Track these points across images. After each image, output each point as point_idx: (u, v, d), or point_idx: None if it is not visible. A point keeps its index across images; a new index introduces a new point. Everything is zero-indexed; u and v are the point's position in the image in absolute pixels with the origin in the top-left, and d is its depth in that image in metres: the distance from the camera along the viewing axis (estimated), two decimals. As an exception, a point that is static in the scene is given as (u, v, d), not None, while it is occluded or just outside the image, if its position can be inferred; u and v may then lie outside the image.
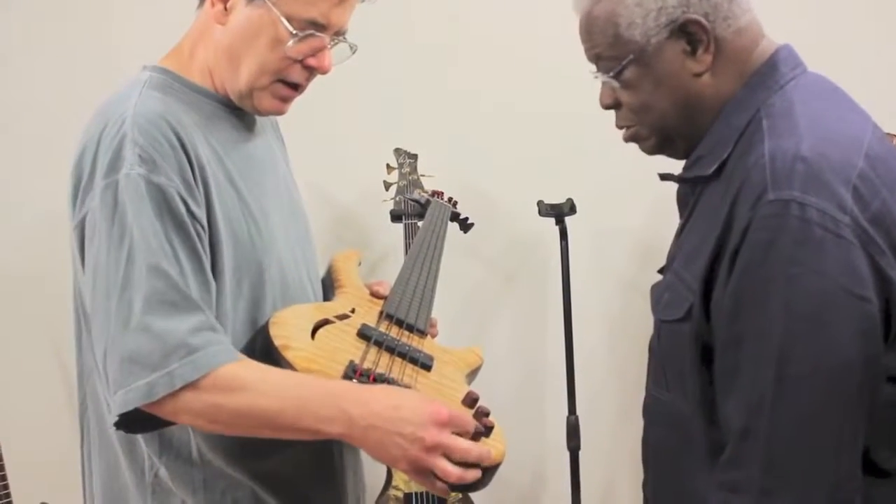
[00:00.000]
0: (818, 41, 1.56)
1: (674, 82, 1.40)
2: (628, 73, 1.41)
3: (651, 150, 1.51)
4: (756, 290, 1.25)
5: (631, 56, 1.39)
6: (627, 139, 1.51)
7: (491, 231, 3.09)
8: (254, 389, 1.34)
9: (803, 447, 1.24)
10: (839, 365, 1.22)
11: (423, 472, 1.32)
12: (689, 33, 1.37)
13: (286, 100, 1.56)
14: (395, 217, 2.78)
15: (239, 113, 1.59)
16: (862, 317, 1.22)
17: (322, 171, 3.01)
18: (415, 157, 2.84)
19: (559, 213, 2.78)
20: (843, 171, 1.26)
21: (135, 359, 1.32)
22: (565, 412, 2.78)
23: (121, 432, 1.51)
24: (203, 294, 1.39)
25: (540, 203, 2.79)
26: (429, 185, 2.76)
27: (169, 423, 1.40)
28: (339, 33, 1.55)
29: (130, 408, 1.32)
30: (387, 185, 2.80)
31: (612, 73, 1.42)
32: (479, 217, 2.99)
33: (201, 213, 1.42)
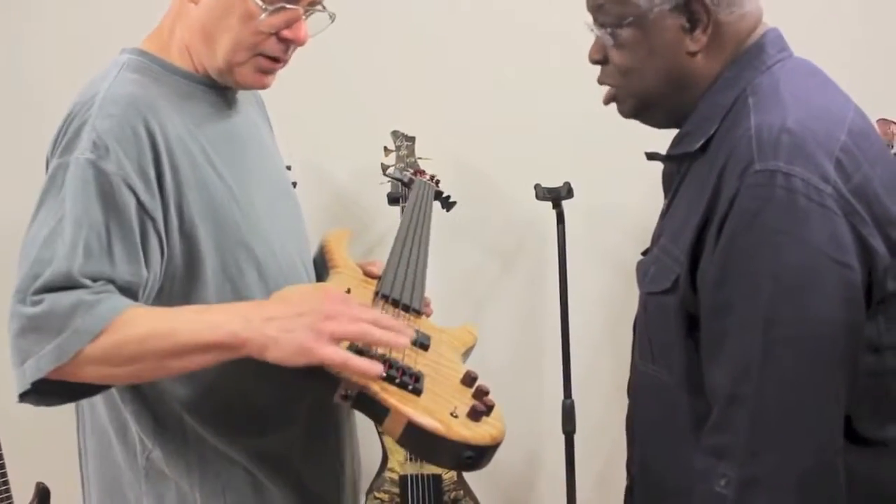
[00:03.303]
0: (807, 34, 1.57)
1: (666, 54, 1.42)
2: (625, 34, 1.42)
3: (627, 114, 1.53)
4: (742, 258, 1.28)
5: (631, 18, 1.41)
6: (606, 100, 1.53)
7: (488, 214, 3.09)
8: (151, 317, 1.34)
9: (788, 411, 1.27)
10: (823, 330, 1.26)
11: (323, 336, 1.28)
12: (691, 11, 1.39)
13: (267, 72, 1.55)
14: (392, 199, 2.77)
15: (220, 92, 1.58)
16: (845, 284, 1.26)
17: (319, 153, 3.02)
18: (412, 139, 2.83)
19: (556, 196, 2.77)
20: (827, 143, 1.30)
21: (37, 326, 1.31)
22: (561, 396, 2.79)
23: (112, 414, 1.52)
24: (128, 280, 1.38)
25: (537, 186, 2.79)
26: (426, 167, 2.75)
27: (78, 394, 1.40)
28: (313, 3, 1.52)
29: (43, 374, 1.31)
30: (384, 168, 2.80)
31: (608, 29, 1.44)
32: (477, 200, 3.01)
33: (154, 205, 1.41)
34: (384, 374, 1.31)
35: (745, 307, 1.28)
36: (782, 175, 1.26)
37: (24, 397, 1.35)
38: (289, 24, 1.49)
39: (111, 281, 1.36)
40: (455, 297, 3.06)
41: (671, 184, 1.53)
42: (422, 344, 1.51)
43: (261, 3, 1.45)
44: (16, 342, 1.33)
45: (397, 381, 1.34)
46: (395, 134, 2.83)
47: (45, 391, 1.34)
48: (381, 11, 3.01)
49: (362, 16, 2.97)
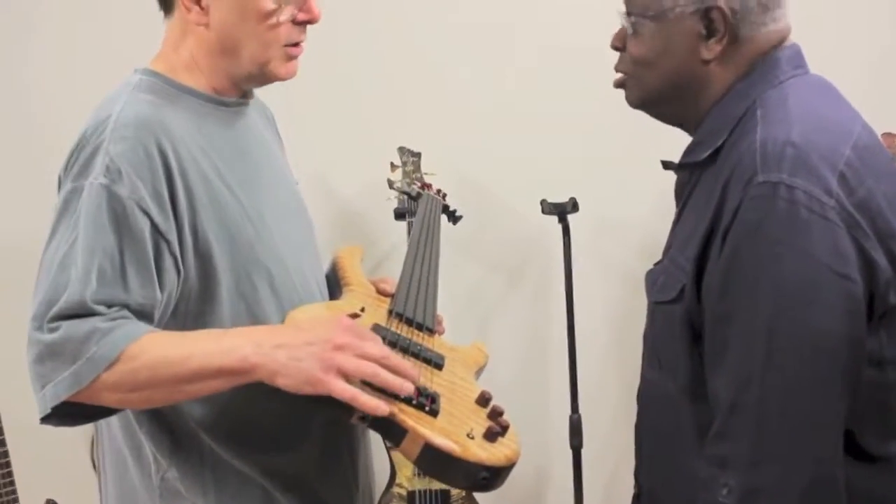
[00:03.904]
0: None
1: (679, 56, 1.44)
2: (644, 26, 1.45)
3: (632, 103, 1.54)
4: (745, 269, 1.29)
5: (652, 12, 1.43)
6: (616, 84, 1.55)
7: (494, 229, 3.10)
8: (164, 343, 1.37)
9: (789, 421, 1.28)
10: (824, 342, 1.27)
11: (331, 369, 1.30)
12: (710, 19, 1.40)
13: (294, 59, 1.58)
14: (399, 215, 2.78)
15: (231, 110, 1.60)
16: (847, 296, 1.27)
17: (326, 169, 3.03)
18: (418, 155, 2.84)
19: (562, 211, 2.78)
20: (831, 157, 1.31)
21: (54, 353, 1.34)
22: (568, 410, 2.79)
23: (127, 434, 1.53)
24: (142, 303, 1.40)
25: (543, 201, 2.80)
26: (432, 182, 2.77)
27: (97, 415, 1.43)
28: None
29: (61, 400, 1.34)
30: (390, 183, 2.80)
31: (631, 18, 1.46)
32: (483, 215, 3.01)
33: (168, 226, 1.43)
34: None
35: (746, 317, 1.30)
36: (785, 187, 1.27)
37: (44, 420, 1.38)
38: (301, 7, 1.53)
39: (125, 305, 1.38)
40: (461, 311, 3.07)
41: (682, 191, 1.55)
42: (436, 364, 1.51)
43: None
44: (34, 368, 1.36)
45: (414, 402, 1.35)
46: (402, 150, 2.84)
47: (65, 413, 1.37)
48: (387, 28, 3.02)
49: (369, 32, 2.99)
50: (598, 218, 2.97)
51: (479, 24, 3.02)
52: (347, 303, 1.61)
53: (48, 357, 1.34)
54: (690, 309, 1.38)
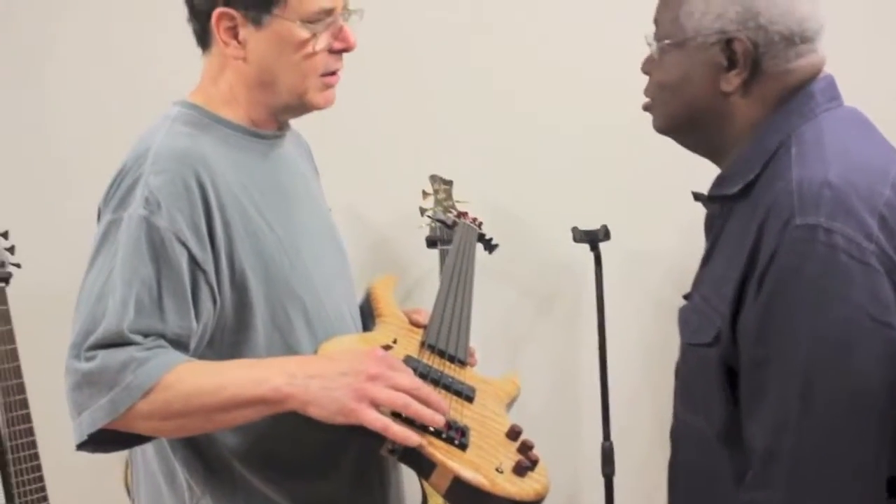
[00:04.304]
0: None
1: (699, 86, 1.43)
2: (667, 53, 1.45)
3: (657, 128, 1.53)
4: (782, 314, 1.27)
5: (674, 39, 1.43)
6: (643, 107, 1.54)
7: (525, 257, 3.11)
8: (198, 373, 1.39)
9: (827, 469, 1.25)
10: (863, 388, 1.24)
11: (364, 399, 1.32)
12: (732, 50, 1.38)
13: (331, 87, 1.60)
14: (431, 243, 2.79)
15: (268, 142, 1.62)
16: (887, 343, 1.24)
17: (359, 197, 3.05)
18: (450, 183, 2.85)
19: (593, 239, 2.79)
20: (870, 199, 1.29)
21: (92, 381, 1.36)
22: (600, 438, 2.79)
23: (161, 460, 1.55)
24: (179, 333, 1.43)
25: (574, 229, 2.80)
26: (468, 211, 2.78)
27: (131, 443, 1.45)
28: (345, 7, 1.58)
29: (97, 427, 1.36)
30: (422, 211, 2.82)
31: (656, 44, 1.46)
32: (514, 243, 3.02)
33: (206, 258, 1.45)
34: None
35: (783, 363, 1.27)
36: (823, 231, 1.25)
37: (80, 447, 1.41)
38: (336, 36, 1.56)
39: (162, 335, 1.40)
40: (493, 339, 3.07)
41: (713, 226, 1.52)
42: (467, 396, 1.52)
43: (309, 27, 1.51)
44: (72, 395, 1.39)
45: (444, 435, 1.36)
46: (433, 178, 2.86)
47: (101, 440, 1.39)
48: (419, 56, 3.05)
49: (401, 60, 3.02)
50: (631, 246, 2.96)
51: (511, 53, 3.03)
52: (380, 334, 1.63)
53: (85, 385, 1.37)
54: (726, 353, 1.36)
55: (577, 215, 2.84)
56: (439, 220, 2.61)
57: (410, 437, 1.31)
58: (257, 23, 1.50)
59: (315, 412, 1.34)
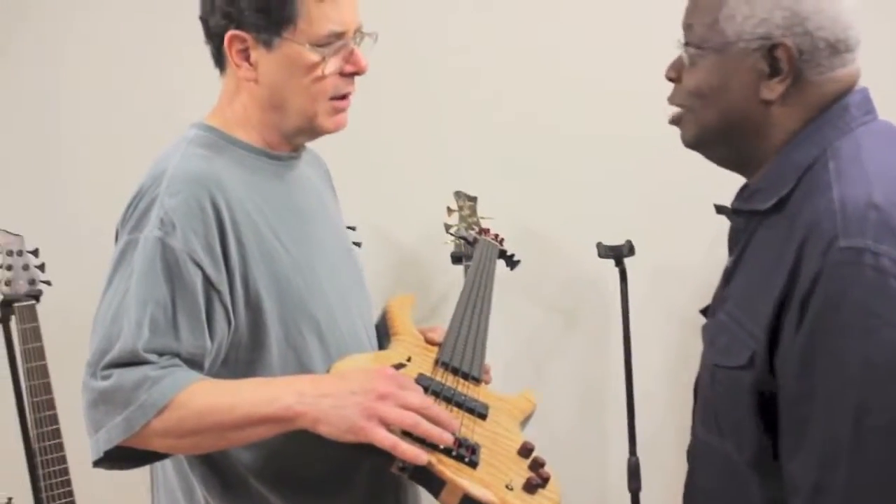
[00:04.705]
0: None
1: (738, 94, 1.36)
2: (703, 58, 1.37)
3: (688, 142, 1.46)
4: (830, 342, 1.21)
5: (713, 44, 1.36)
6: (672, 120, 1.47)
7: (551, 273, 3.11)
8: (211, 391, 1.40)
9: (884, 502, 1.20)
10: None
11: (373, 418, 1.33)
12: (774, 57, 1.32)
13: (342, 111, 1.61)
14: (456, 259, 2.80)
15: (284, 163, 1.64)
16: None
17: (384, 214, 3.07)
18: (474, 199, 2.87)
19: (618, 254, 2.79)
20: None
21: (107, 399, 1.39)
22: (626, 453, 2.78)
23: (180, 477, 1.57)
24: (193, 352, 1.45)
25: (599, 245, 2.80)
26: (489, 226, 2.79)
27: (148, 460, 1.47)
28: (357, 30, 1.58)
29: (113, 444, 1.39)
30: (447, 228, 2.83)
31: (690, 49, 1.39)
32: (539, 259, 3.03)
33: (220, 278, 1.47)
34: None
35: (833, 393, 1.20)
36: (870, 254, 1.19)
37: (97, 464, 1.43)
38: (347, 59, 1.57)
39: (177, 354, 1.43)
40: (518, 354, 3.08)
41: (737, 240, 1.46)
42: (480, 413, 1.53)
43: (318, 50, 1.52)
44: (88, 413, 1.42)
45: (454, 453, 1.36)
46: (458, 194, 2.87)
47: (117, 457, 1.42)
48: (442, 73, 3.06)
49: (423, 78, 3.04)
50: (656, 261, 2.96)
51: (535, 69, 3.05)
52: (394, 353, 1.63)
53: (101, 403, 1.39)
54: (761, 378, 1.29)
55: (602, 231, 2.85)
56: (461, 237, 2.62)
57: (419, 455, 1.32)
58: (268, 45, 1.52)
59: (325, 430, 1.35)
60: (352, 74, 1.58)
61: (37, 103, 3.12)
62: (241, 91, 1.59)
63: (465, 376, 1.62)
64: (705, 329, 1.48)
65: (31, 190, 3.10)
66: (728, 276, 1.46)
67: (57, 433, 2.58)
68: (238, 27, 1.53)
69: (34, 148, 3.12)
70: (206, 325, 1.46)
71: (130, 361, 1.39)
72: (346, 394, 1.36)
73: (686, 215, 2.91)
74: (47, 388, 2.57)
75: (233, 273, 1.49)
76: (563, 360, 3.17)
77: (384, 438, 1.32)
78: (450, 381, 1.58)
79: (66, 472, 2.58)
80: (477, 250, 2.26)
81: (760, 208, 1.37)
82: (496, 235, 2.53)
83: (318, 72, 1.54)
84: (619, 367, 2.79)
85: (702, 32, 1.38)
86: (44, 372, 2.57)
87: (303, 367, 1.56)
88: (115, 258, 1.48)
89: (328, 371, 1.52)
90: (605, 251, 2.80)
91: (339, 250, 1.72)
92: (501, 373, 2.81)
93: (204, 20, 1.58)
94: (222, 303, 1.48)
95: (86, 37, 3.09)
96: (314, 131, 1.61)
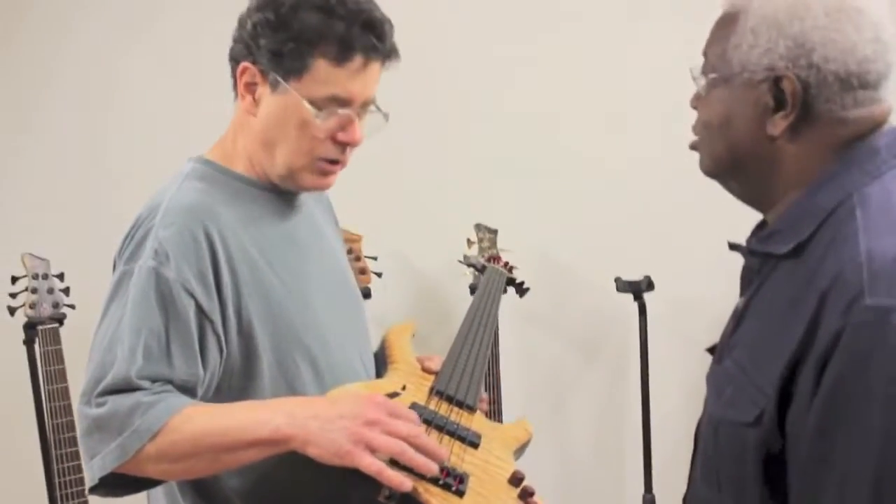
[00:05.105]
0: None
1: (743, 127, 1.29)
2: (713, 89, 1.31)
3: (703, 170, 1.39)
4: (851, 409, 1.12)
5: (718, 75, 1.30)
6: (690, 146, 1.41)
7: (569, 307, 3.12)
8: (204, 415, 1.42)
9: None
10: None
11: (360, 443, 1.33)
12: (780, 89, 1.24)
13: (327, 174, 1.61)
14: (473, 290, 2.82)
15: (281, 197, 1.65)
16: None
17: (405, 245, 3.10)
18: (495, 231, 2.89)
19: (637, 289, 2.79)
20: None
21: (101, 426, 1.41)
22: (642, 490, 2.76)
23: (169, 497, 1.58)
24: (186, 379, 1.47)
25: (618, 280, 2.81)
26: (508, 259, 2.81)
27: (142, 486, 1.48)
28: (365, 104, 1.58)
29: (108, 471, 1.40)
30: (466, 259, 2.85)
31: (702, 78, 1.34)
32: (558, 292, 3.03)
33: (213, 307, 1.49)
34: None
35: (850, 462, 1.12)
36: None
37: (93, 490, 1.45)
38: (343, 127, 1.56)
39: (169, 380, 1.45)
40: (536, 388, 3.08)
41: (750, 281, 1.37)
42: (472, 442, 1.53)
43: (314, 110, 1.53)
44: (84, 441, 1.44)
45: (441, 482, 1.37)
46: (478, 226, 2.89)
47: (112, 484, 1.44)
48: (466, 107, 3.09)
49: (448, 111, 3.07)
50: (675, 296, 2.95)
51: (556, 103, 3.07)
52: (389, 381, 1.64)
53: (96, 430, 1.42)
54: (769, 437, 1.20)
55: (620, 265, 2.85)
56: (470, 265, 2.64)
57: (403, 482, 1.32)
58: (273, 87, 1.54)
59: (314, 452, 1.36)
60: (343, 143, 1.57)
61: (66, 130, 3.19)
62: (243, 127, 1.61)
63: (460, 405, 1.62)
64: (711, 376, 1.41)
65: (60, 214, 3.16)
66: (738, 318, 1.38)
67: (77, 455, 2.61)
68: (253, 61, 1.55)
69: (64, 173, 3.18)
70: (198, 354, 1.48)
71: (124, 388, 1.42)
72: (335, 417, 1.37)
73: (705, 250, 2.87)
74: (68, 411, 2.61)
75: (225, 302, 1.51)
76: (582, 394, 3.16)
77: (370, 464, 1.32)
78: (443, 409, 1.59)
79: (84, 493, 2.62)
80: (484, 278, 2.27)
81: (777, 252, 1.28)
82: (506, 263, 2.54)
83: (310, 130, 1.54)
84: (637, 402, 2.78)
85: (713, 62, 1.32)
86: (65, 394, 2.61)
87: (295, 396, 1.57)
88: (112, 288, 1.51)
89: None
90: (624, 286, 2.80)
91: (336, 282, 1.73)
92: (520, 406, 2.83)
93: (233, 42, 1.60)
94: (215, 332, 1.50)
95: (122, 67, 3.16)
96: (295, 183, 1.61)
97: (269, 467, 1.49)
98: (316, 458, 1.36)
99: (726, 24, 1.31)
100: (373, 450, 1.34)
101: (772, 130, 1.26)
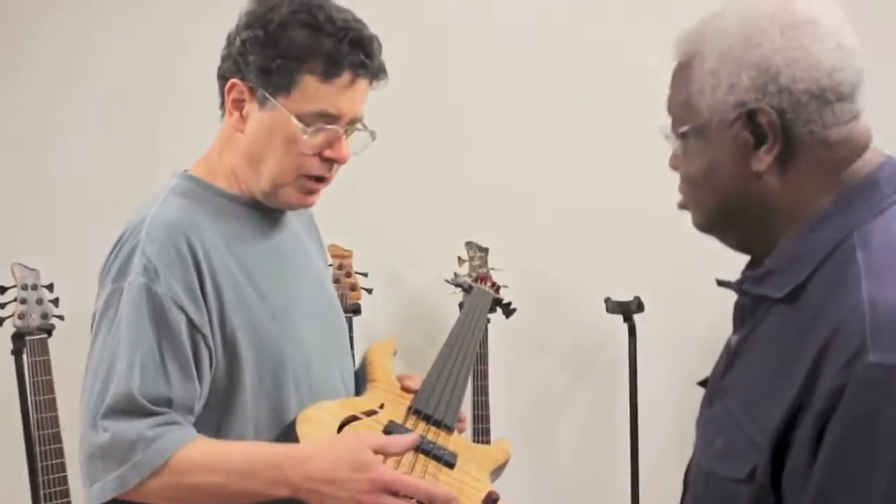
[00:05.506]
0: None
1: (729, 172, 1.20)
2: (688, 143, 1.23)
3: (697, 227, 1.31)
4: (852, 471, 1.05)
5: (690, 126, 1.21)
6: (679, 206, 1.33)
7: (559, 327, 3.11)
8: (202, 468, 1.43)
9: None
10: None
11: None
12: (756, 124, 1.16)
13: (311, 192, 1.61)
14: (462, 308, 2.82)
15: (265, 213, 1.65)
16: None
17: (396, 262, 3.10)
18: (486, 250, 2.89)
19: (626, 310, 2.79)
20: None
21: (104, 454, 1.42)
22: (629, 513, 2.76)
23: None
24: (184, 396, 1.47)
25: (607, 300, 2.80)
26: (498, 277, 2.81)
27: None
28: (353, 121, 1.58)
29: (106, 499, 1.42)
30: (455, 277, 2.86)
31: (673, 134, 1.25)
32: (548, 313, 3.03)
33: (203, 321, 1.50)
34: None
35: None
36: None
37: None
38: (330, 144, 1.56)
39: (169, 400, 1.46)
40: (525, 409, 3.07)
41: (743, 317, 1.28)
42: (447, 462, 1.53)
43: (302, 126, 1.53)
44: (85, 466, 1.46)
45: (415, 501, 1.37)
46: (469, 244, 2.90)
47: None
48: (459, 124, 3.10)
49: (440, 128, 3.08)
50: (665, 318, 2.95)
51: (548, 123, 3.08)
52: (367, 399, 1.65)
53: (98, 458, 1.43)
54: (762, 493, 1.13)
55: (610, 286, 2.85)
56: (457, 284, 2.64)
57: None
58: (261, 103, 1.54)
59: None
60: (330, 160, 1.57)
61: (58, 141, 3.19)
62: (229, 143, 1.61)
63: (438, 424, 1.62)
64: (701, 421, 1.33)
65: (50, 225, 3.16)
66: (731, 357, 1.29)
67: (62, 466, 2.61)
68: (241, 78, 1.55)
69: (55, 184, 3.18)
70: (194, 369, 1.49)
71: (126, 408, 1.43)
72: (343, 480, 1.39)
73: (696, 272, 2.87)
74: (55, 422, 2.61)
75: (211, 316, 1.51)
76: (570, 416, 3.15)
77: None
78: (420, 428, 1.59)
79: (68, 504, 2.62)
80: (469, 298, 2.27)
81: (773, 296, 1.19)
82: (493, 283, 2.53)
83: (297, 146, 1.54)
84: (625, 424, 2.78)
85: (680, 115, 1.24)
86: (52, 405, 2.61)
87: (277, 412, 1.58)
88: (101, 309, 1.51)
89: (295, 419, 1.53)
90: (614, 307, 2.80)
91: (318, 299, 1.73)
92: (508, 426, 2.83)
93: (221, 59, 1.61)
94: (207, 345, 1.51)
95: (110, 73, 3.17)
96: (279, 200, 1.61)
97: None
98: None
99: (683, 72, 1.24)
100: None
101: (758, 167, 1.18)
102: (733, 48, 1.17)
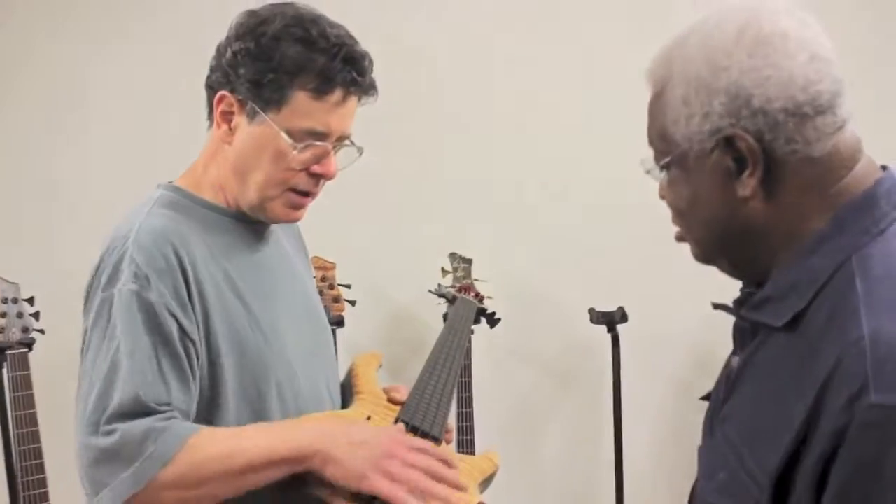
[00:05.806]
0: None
1: (714, 200, 1.16)
2: (670, 174, 1.19)
3: (697, 259, 1.26)
4: None
5: (670, 158, 1.17)
6: (676, 239, 1.28)
7: (543, 338, 3.12)
8: (218, 437, 1.42)
9: None
10: None
11: (380, 471, 1.39)
12: (737, 149, 1.11)
13: (298, 207, 1.60)
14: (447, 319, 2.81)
15: (250, 226, 1.64)
16: None
17: (380, 274, 3.09)
18: (469, 261, 2.88)
19: (610, 321, 2.79)
20: None
21: (111, 457, 1.38)
22: (614, 523, 2.76)
23: None
24: (183, 400, 1.45)
25: (591, 311, 2.81)
26: (482, 289, 2.81)
27: None
28: (341, 138, 1.58)
29: (120, 502, 1.37)
30: (440, 288, 2.85)
31: (656, 166, 1.21)
32: (532, 323, 3.03)
33: (192, 328, 1.48)
34: None
35: None
36: None
37: None
38: (318, 160, 1.56)
39: (169, 404, 1.44)
40: (509, 419, 3.07)
41: (744, 340, 1.23)
42: None
43: (291, 142, 1.52)
44: (90, 473, 1.41)
45: None
46: (453, 256, 2.89)
47: None
48: (442, 135, 3.10)
49: (423, 140, 3.08)
50: (649, 328, 2.96)
51: (532, 133, 3.09)
52: (354, 411, 1.64)
53: (105, 461, 1.39)
54: None
55: (594, 296, 2.85)
56: (441, 295, 2.63)
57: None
58: (251, 117, 1.54)
59: (332, 471, 1.39)
60: (318, 175, 1.57)
61: (38, 152, 3.17)
62: (216, 156, 1.61)
63: (425, 435, 1.61)
64: (703, 451, 1.29)
65: (30, 238, 3.13)
66: (732, 382, 1.24)
67: (43, 482, 2.58)
68: (231, 90, 1.54)
69: (35, 197, 3.16)
70: (189, 374, 1.48)
71: (134, 411, 1.40)
72: (359, 443, 1.41)
73: (680, 283, 2.89)
74: (35, 437, 2.59)
75: (198, 324, 1.51)
76: (554, 426, 3.16)
77: (388, 489, 1.38)
78: None
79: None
80: (453, 309, 2.26)
81: (773, 324, 1.15)
82: (477, 294, 2.53)
83: (286, 161, 1.54)
84: (610, 434, 2.78)
85: (660, 147, 1.20)
86: (33, 420, 2.59)
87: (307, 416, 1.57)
88: (92, 318, 1.49)
89: None
90: (598, 317, 2.81)
91: (304, 311, 1.72)
92: (493, 437, 2.82)
93: (210, 70, 1.60)
94: (196, 352, 1.50)
95: (88, 89, 3.16)
96: (265, 214, 1.60)
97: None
98: (332, 479, 1.39)
99: (658, 102, 1.20)
100: (391, 479, 1.38)
101: (743, 192, 1.13)
102: (702, 75, 1.12)
